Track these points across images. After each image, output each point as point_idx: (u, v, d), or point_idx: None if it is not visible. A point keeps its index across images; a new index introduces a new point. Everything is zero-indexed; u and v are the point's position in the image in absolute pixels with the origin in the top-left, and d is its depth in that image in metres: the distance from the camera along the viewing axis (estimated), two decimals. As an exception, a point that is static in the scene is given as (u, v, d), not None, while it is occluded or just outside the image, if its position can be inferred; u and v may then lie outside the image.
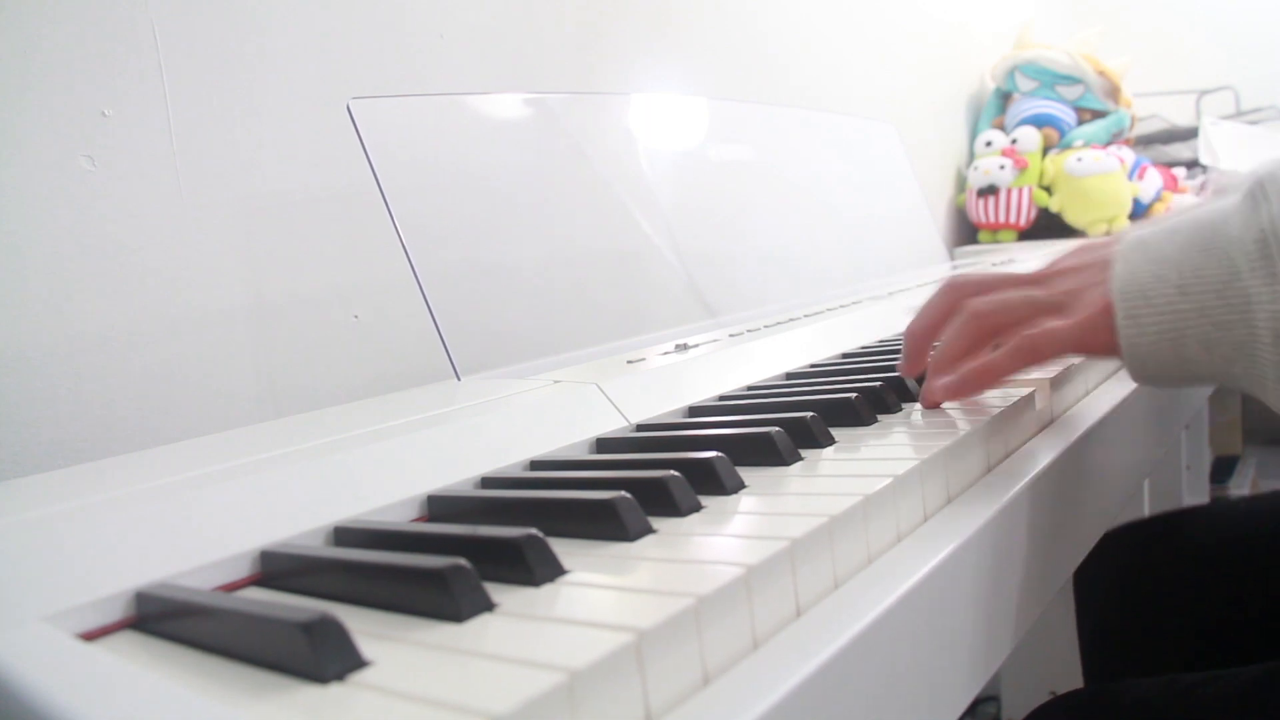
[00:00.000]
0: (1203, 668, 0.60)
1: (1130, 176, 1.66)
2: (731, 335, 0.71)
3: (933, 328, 0.51)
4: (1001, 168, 1.68)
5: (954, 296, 0.50)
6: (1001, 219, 1.69)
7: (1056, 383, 0.53)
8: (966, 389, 0.47)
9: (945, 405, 0.50)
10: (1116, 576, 0.82)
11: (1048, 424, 0.51)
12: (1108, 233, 1.59)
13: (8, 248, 0.59)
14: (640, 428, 0.51)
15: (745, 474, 0.40)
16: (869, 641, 0.29)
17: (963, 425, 0.44)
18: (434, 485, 0.41)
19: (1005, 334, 0.47)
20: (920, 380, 0.53)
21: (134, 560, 0.32)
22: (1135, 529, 0.85)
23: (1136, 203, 1.66)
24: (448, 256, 0.64)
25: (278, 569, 0.35)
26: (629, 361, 0.61)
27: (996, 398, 0.50)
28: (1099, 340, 0.44)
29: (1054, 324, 0.45)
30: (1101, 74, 1.80)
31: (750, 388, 0.60)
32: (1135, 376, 0.44)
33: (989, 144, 1.75)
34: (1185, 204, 0.74)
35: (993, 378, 0.46)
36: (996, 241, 1.71)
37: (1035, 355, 0.45)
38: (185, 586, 0.32)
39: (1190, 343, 0.41)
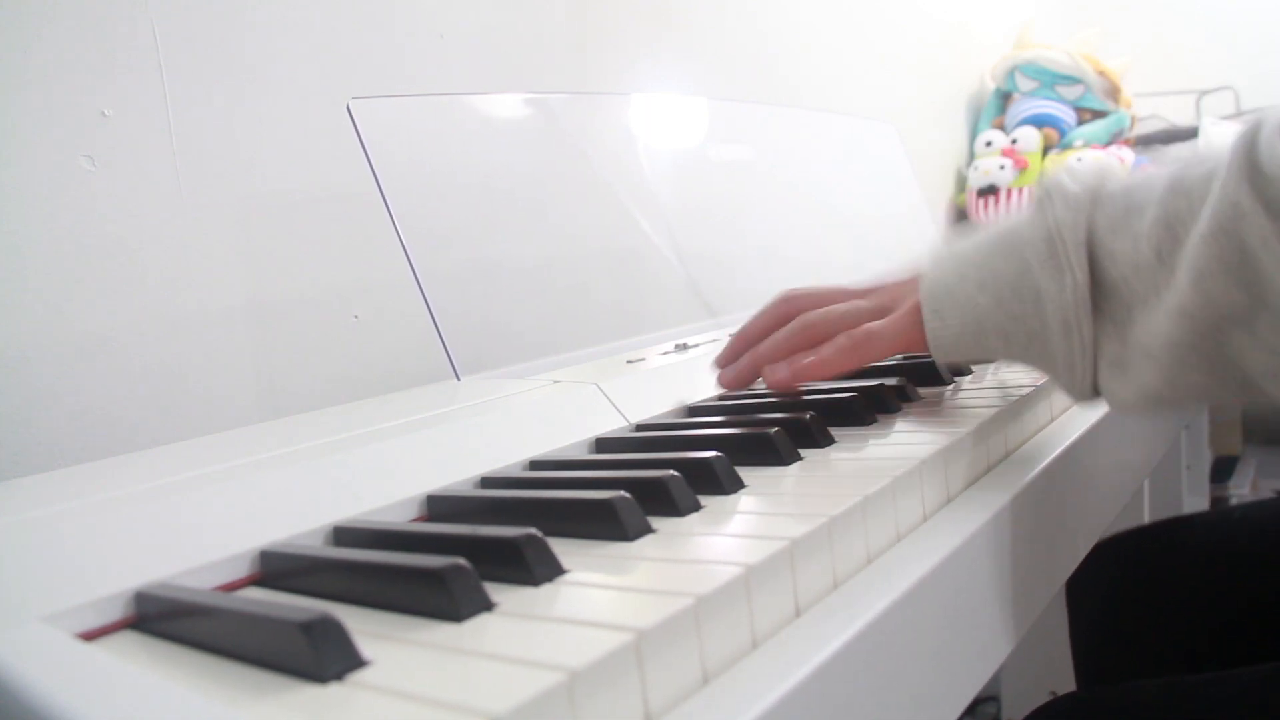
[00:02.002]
0: (1201, 670, 0.60)
1: (1130, 177, 1.66)
2: (731, 335, 0.70)
3: (763, 333, 0.56)
4: (1001, 168, 1.68)
5: (787, 308, 0.55)
6: (1001, 219, 1.69)
7: (1056, 383, 0.53)
8: (798, 377, 0.52)
9: (946, 404, 0.50)
10: (1108, 585, 0.82)
11: (1048, 423, 0.51)
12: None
13: (8, 248, 0.59)
14: (640, 428, 0.51)
15: (745, 474, 0.40)
16: (868, 641, 0.29)
17: (962, 425, 0.44)
18: (434, 485, 0.41)
19: (826, 340, 0.52)
20: (915, 374, 0.57)
21: (134, 560, 0.32)
22: (1130, 537, 0.85)
23: (1136, 203, 1.65)
24: (448, 256, 0.64)
25: (277, 569, 0.35)
26: (629, 361, 0.61)
27: (996, 397, 0.50)
28: (912, 335, 0.48)
29: (874, 324, 0.50)
30: (1101, 74, 1.80)
31: (750, 387, 0.60)
32: (940, 359, 0.49)
33: (989, 144, 1.75)
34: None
35: (822, 371, 0.51)
36: (996, 241, 1.71)
37: (858, 350, 0.50)
38: (185, 586, 0.32)
39: (989, 334, 0.45)
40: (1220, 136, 1.70)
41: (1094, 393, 0.43)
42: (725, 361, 0.58)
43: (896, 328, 0.49)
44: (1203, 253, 0.37)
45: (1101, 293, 0.42)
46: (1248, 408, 2.11)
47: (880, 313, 0.51)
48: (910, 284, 0.51)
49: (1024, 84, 1.82)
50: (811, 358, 0.51)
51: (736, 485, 0.39)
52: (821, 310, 0.53)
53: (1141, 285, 0.40)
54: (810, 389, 0.56)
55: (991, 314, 0.45)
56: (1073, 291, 0.42)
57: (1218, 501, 1.80)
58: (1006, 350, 0.45)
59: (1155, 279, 0.39)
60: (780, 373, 0.52)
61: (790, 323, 0.54)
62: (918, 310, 0.48)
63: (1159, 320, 0.39)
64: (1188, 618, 0.77)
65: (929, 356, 0.49)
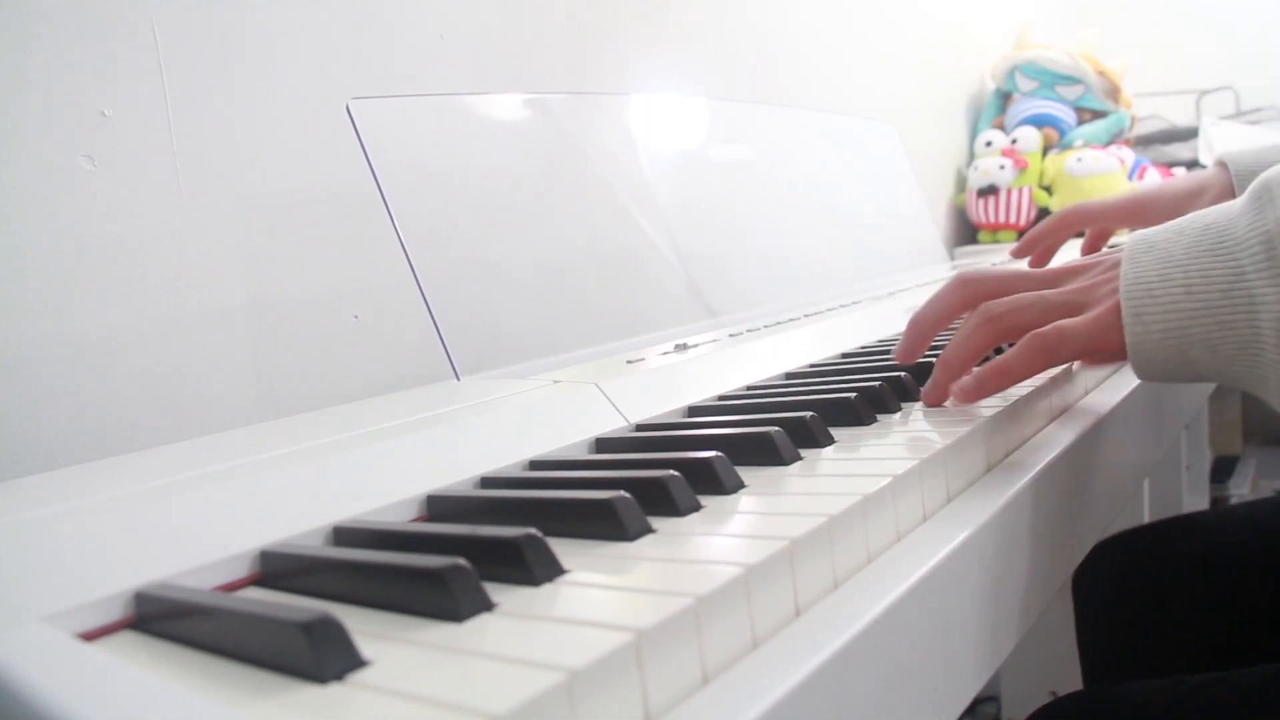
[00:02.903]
0: (1204, 670, 0.60)
1: (1130, 177, 1.66)
2: (731, 335, 0.71)
3: (940, 320, 0.51)
4: (1001, 168, 1.68)
5: (966, 293, 0.50)
6: (1001, 219, 1.69)
7: (1057, 381, 0.53)
8: (984, 390, 0.47)
9: (945, 404, 0.50)
10: (1115, 583, 0.82)
11: (1048, 423, 0.51)
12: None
13: (8, 248, 0.59)
14: (640, 428, 0.51)
15: (745, 474, 0.40)
16: (868, 641, 0.29)
17: (963, 424, 0.44)
18: (434, 485, 0.41)
19: (1017, 338, 0.47)
20: (914, 374, 0.54)
21: (134, 560, 0.32)
22: (1133, 536, 0.85)
23: (1136, 203, 1.66)
24: (448, 256, 0.64)
25: (277, 569, 0.35)
26: (629, 361, 0.61)
27: (996, 397, 0.50)
28: (1108, 338, 0.44)
29: (1066, 323, 0.45)
30: (1101, 74, 1.80)
31: (750, 388, 0.60)
32: (1140, 374, 0.45)
33: (989, 144, 1.75)
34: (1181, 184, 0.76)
35: (1009, 379, 0.46)
36: (996, 241, 1.71)
37: (1049, 354, 0.45)
38: (185, 586, 0.32)
39: (1195, 342, 0.42)
40: (1224, 140, 1.71)
41: None
42: (906, 357, 0.53)
43: (1092, 329, 0.45)
44: None
45: None
46: (1248, 407, 2.11)
47: (1071, 307, 0.46)
48: (1105, 275, 0.46)
49: (1024, 84, 1.82)
50: (995, 367, 0.46)
51: (736, 485, 0.39)
52: (1006, 301, 0.48)
53: None
54: (811, 389, 0.56)
55: (1198, 320, 0.41)
56: None
57: (1217, 501, 1.80)
58: (1212, 361, 0.42)
59: None
60: (968, 385, 0.47)
61: (971, 316, 0.49)
62: (1116, 311, 0.44)
63: None
64: (1190, 616, 0.77)
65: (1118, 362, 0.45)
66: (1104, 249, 0.84)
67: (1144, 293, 0.43)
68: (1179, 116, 2.04)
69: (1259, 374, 0.40)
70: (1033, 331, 0.46)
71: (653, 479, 0.37)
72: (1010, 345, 0.48)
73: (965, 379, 0.47)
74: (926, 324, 0.52)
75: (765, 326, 0.74)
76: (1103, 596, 0.83)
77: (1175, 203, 0.75)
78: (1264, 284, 0.39)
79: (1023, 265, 0.78)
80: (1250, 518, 0.80)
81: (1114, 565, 0.82)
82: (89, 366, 0.62)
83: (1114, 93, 1.81)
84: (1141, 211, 0.77)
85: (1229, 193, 0.71)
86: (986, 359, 0.49)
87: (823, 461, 0.42)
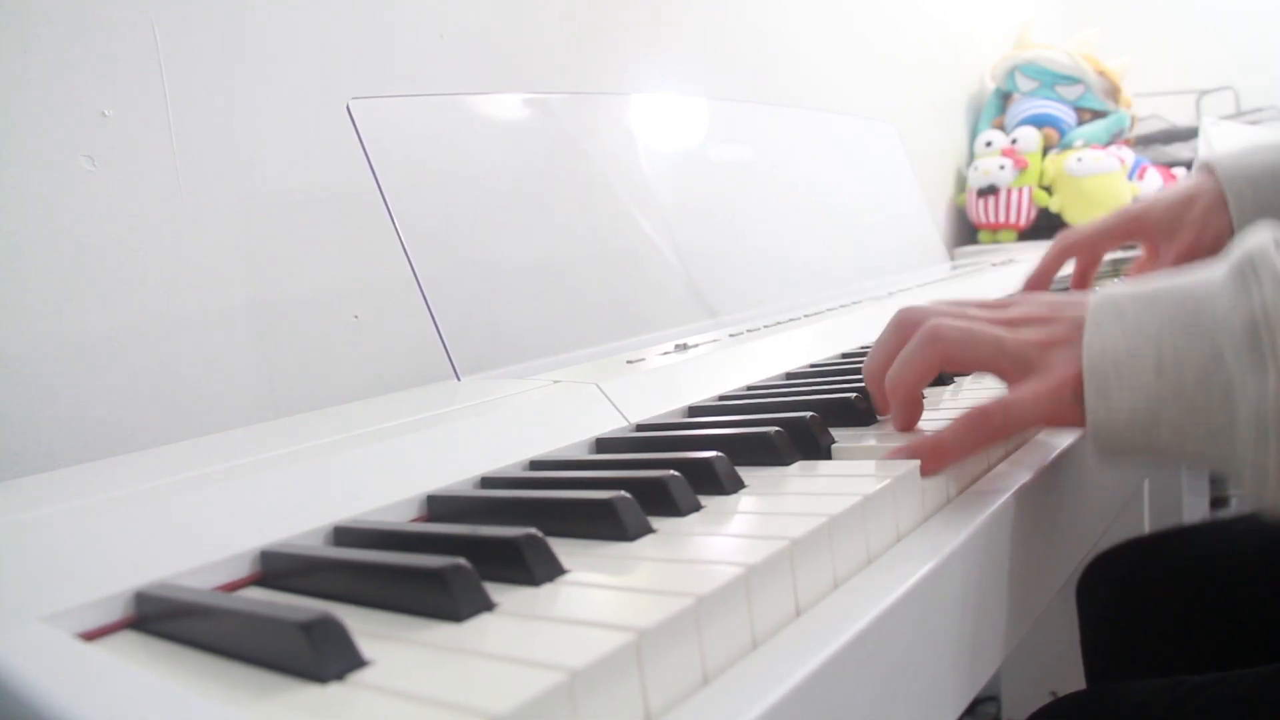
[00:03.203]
0: (1204, 671, 0.60)
1: (1130, 177, 1.66)
2: (731, 335, 0.71)
3: (887, 364, 0.47)
4: (1001, 168, 1.68)
5: (907, 331, 0.46)
6: (1001, 219, 1.69)
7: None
8: (911, 456, 0.41)
9: (946, 405, 0.50)
10: (1118, 592, 0.82)
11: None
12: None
13: (8, 248, 0.59)
14: (640, 428, 0.51)
15: (745, 474, 0.40)
16: (868, 641, 0.29)
17: (962, 425, 0.44)
18: (434, 485, 0.41)
19: (959, 370, 0.43)
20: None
21: (134, 560, 0.32)
22: (1136, 545, 0.85)
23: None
24: (448, 256, 0.64)
25: (278, 569, 0.35)
26: (629, 361, 0.61)
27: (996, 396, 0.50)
28: (1065, 415, 0.40)
29: (1015, 397, 0.41)
30: (1101, 74, 1.80)
31: (750, 388, 0.60)
32: (1099, 454, 0.40)
33: (989, 144, 1.75)
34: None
35: (947, 460, 0.40)
36: (996, 241, 1.71)
37: (993, 434, 0.41)
38: (185, 586, 0.32)
39: (1163, 427, 0.38)
40: (1224, 140, 1.70)
41: None
42: (881, 411, 0.49)
43: (1046, 405, 0.40)
44: None
45: None
46: None
47: (1023, 362, 0.42)
48: (1064, 333, 0.42)
49: (1024, 84, 1.82)
50: (931, 447, 0.40)
51: (737, 485, 0.39)
52: (956, 328, 0.44)
53: None
54: (811, 389, 0.56)
55: (1169, 405, 0.37)
56: (1276, 394, 0.34)
57: (1217, 502, 1.80)
58: (1180, 447, 0.38)
59: None
60: (900, 452, 0.41)
61: (917, 333, 0.44)
62: (1075, 383, 0.39)
63: None
64: (1191, 621, 0.77)
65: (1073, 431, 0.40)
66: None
67: (1111, 367, 0.38)
68: (1179, 116, 2.04)
69: (1232, 465, 0.37)
70: (977, 409, 0.41)
71: (653, 479, 0.37)
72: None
73: (899, 446, 0.42)
74: (877, 370, 0.48)
75: (765, 326, 0.74)
76: (1105, 604, 0.83)
77: (1167, 217, 0.73)
78: (1245, 373, 0.35)
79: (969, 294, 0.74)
80: (1252, 529, 0.81)
81: (1117, 574, 0.83)
82: (89, 366, 0.62)
83: (1114, 93, 1.81)
84: (1137, 229, 0.75)
85: (1219, 200, 0.70)
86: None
87: (823, 462, 0.42)
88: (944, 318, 0.44)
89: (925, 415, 0.49)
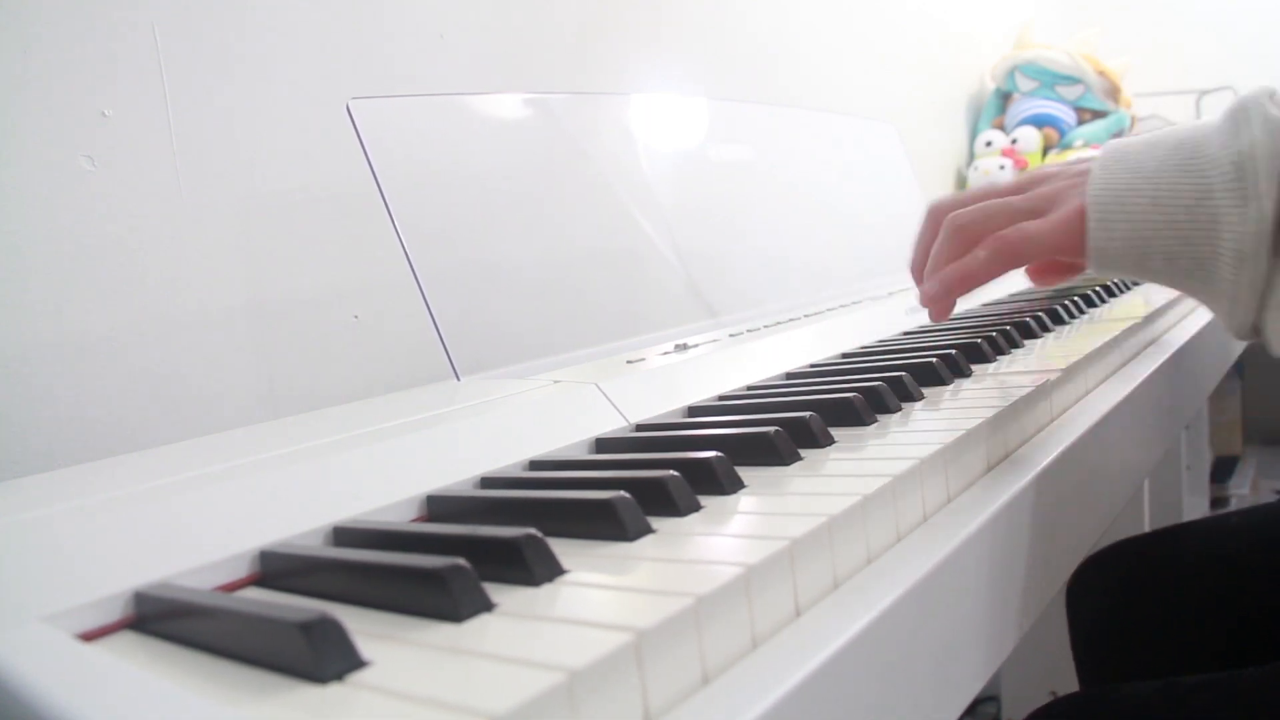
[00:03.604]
0: (1202, 672, 0.60)
1: (1130, 176, 1.66)
2: (731, 335, 0.71)
3: (928, 255, 0.52)
4: (1001, 168, 1.68)
5: (937, 217, 0.51)
6: (1001, 219, 1.69)
7: (1057, 382, 0.53)
8: (951, 293, 0.48)
9: (946, 404, 0.50)
10: (1106, 596, 0.82)
11: (1047, 423, 0.51)
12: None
13: (8, 248, 0.59)
14: (640, 428, 0.51)
15: (745, 474, 0.40)
16: (868, 641, 0.29)
17: (963, 424, 0.44)
18: (434, 485, 0.41)
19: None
20: (915, 374, 0.54)
21: (133, 560, 0.32)
22: (1129, 546, 0.85)
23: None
24: (448, 256, 0.64)
25: (277, 569, 0.35)
26: (629, 361, 0.61)
27: (996, 396, 0.50)
28: (1071, 242, 0.45)
29: (1029, 225, 0.46)
30: (1101, 74, 1.80)
31: (750, 388, 0.60)
32: (1097, 270, 0.46)
33: (989, 144, 1.75)
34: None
35: (973, 281, 0.47)
36: (996, 241, 1.71)
37: (1011, 255, 0.46)
38: (184, 586, 0.32)
39: (1155, 254, 0.43)
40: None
41: (1254, 332, 0.41)
42: (923, 301, 0.54)
43: (1055, 229, 0.46)
44: None
45: None
46: (1248, 407, 2.11)
47: (1036, 211, 0.47)
48: (1073, 181, 0.47)
49: (1024, 84, 1.82)
50: (958, 271, 0.47)
51: (736, 485, 0.39)
52: (972, 210, 0.49)
53: None
54: (811, 389, 0.56)
55: (1161, 233, 0.42)
56: (1256, 222, 0.39)
57: (1217, 502, 1.80)
58: (1168, 272, 0.43)
59: None
60: (932, 290, 0.48)
61: (941, 230, 0.50)
62: (1081, 215, 0.44)
63: None
64: (1188, 621, 0.77)
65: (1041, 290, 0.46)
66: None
67: (1112, 200, 0.43)
68: (1179, 116, 2.04)
69: (1213, 291, 0.42)
70: (995, 234, 0.46)
71: (653, 479, 0.37)
72: None
73: (929, 285, 0.48)
74: (918, 265, 0.53)
75: (765, 326, 0.74)
76: (1097, 608, 0.83)
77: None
78: (1229, 205, 0.39)
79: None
80: (1248, 525, 0.80)
81: (1109, 577, 0.83)
82: (89, 366, 0.62)
83: (1114, 93, 1.81)
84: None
85: None
86: None
87: (823, 462, 0.42)
88: (961, 210, 0.49)
89: (925, 415, 0.49)
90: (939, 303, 0.49)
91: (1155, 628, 0.79)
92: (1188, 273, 0.42)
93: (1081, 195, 0.45)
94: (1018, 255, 0.47)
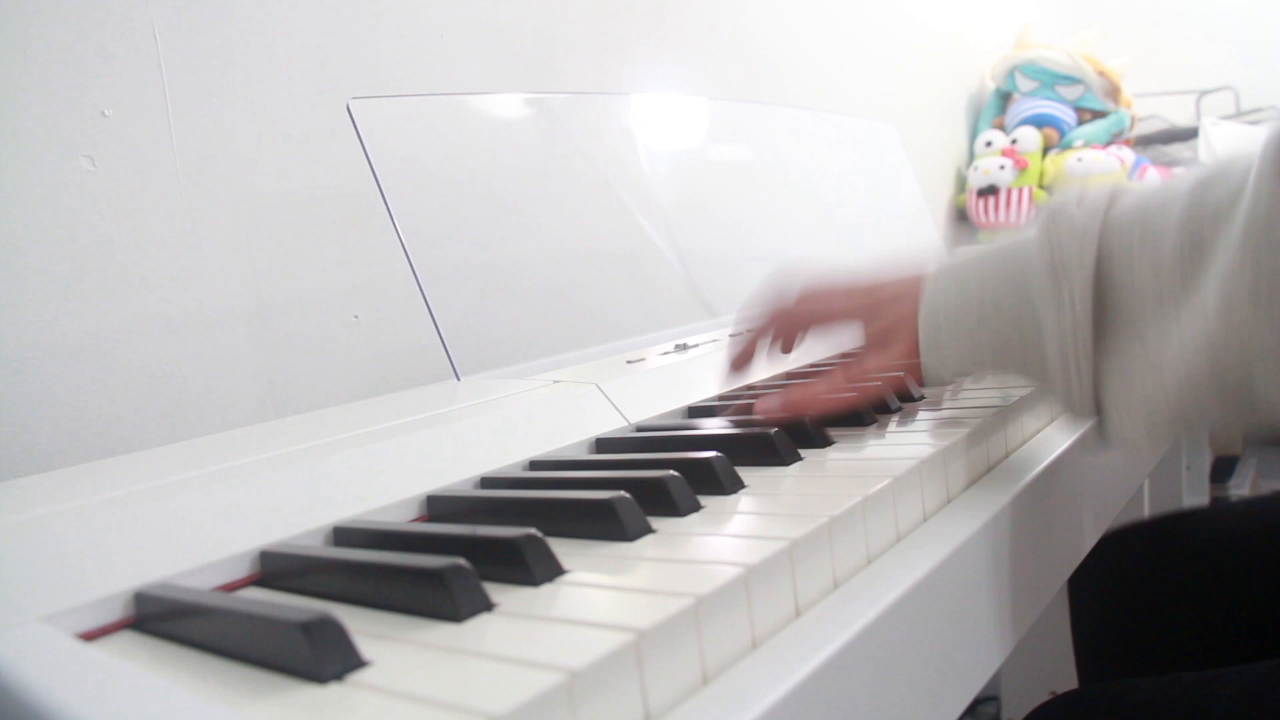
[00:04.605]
0: (1202, 667, 0.60)
1: (1130, 177, 1.66)
2: (731, 335, 0.71)
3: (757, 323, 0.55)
4: (1001, 168, 1.68)
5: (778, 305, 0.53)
6: (1001, 219, 1.69)
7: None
8: (791, 410, 0.48)
9: (946, 405, 0.50)
10: (1112, 579, 0.82)
11: (1048, 423, 0.51)
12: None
13: (8, 248, 0.59)
14: (640, 428, 0.51)
15: (745, 474, 0.40)
16: (868, 641, 0.29)
17: (962, 425, 0.44)
18: (434, 485, 0.41)
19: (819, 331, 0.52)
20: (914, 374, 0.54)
21: (133, 560, 0.32)
22: (1131, 531, 0.85)
23: (1136, 203, 1.66)
24: (448, 256, 0.64)
25: (277, 569, 0.35)
26: (629, 361, 0.61)
27: (996, 396, 0.50)
28: (910, 368, 0.48)
29: (871, 364, 0.49)
30: (1101, 74, 1.80)
31: (750, 388, 0.60)
32: (929, 385, 0.49)
33: (989, 144, 1.75)
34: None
35: (816, 408, 0.48)
36: (996, 241, 1.71)
37: (853, 394, 0.49)
38: (184, 586, 0.32)
39: (987, 366, 0.45)
40: (1224, 140, 1.71)
41: (1096, 416, 0.42)
42: (735, 362, 0.57)
43: (893, 365, 0.49)
44: (1232, 283, 0.36)
45: (1110, 321, 0.41)
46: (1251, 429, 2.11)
47: (877, 338, 0.50)
48: (908, 300, 0.49)
49: (1024, 84, 1.82)
50: (800, 390, 0.49)
51: (736, 485, 0.39)
52: (818, 310, 0.52)
53: (1158, 315, 0.39)
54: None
55: (988, 346, 0.44)
56: (1072, 327, 0.41)
57: (1217, 502, 1.80)
58: (1003, 375, 0.46)
59: (1175, 309, 0.38)
60: (769, 404, 0.50)
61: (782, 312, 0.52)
62: (915, 341, 0.47)
63: (1174, 352, 0.38)
64: (1189, 612, 0.77)
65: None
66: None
67: (942, 323, 0.46)
68: (1179, 116, 2.04)
69: (1048, 389, 0.43)
70: (845, 371, 0.49)
71: (653, 479, 0.37)
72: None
73: (769, 399, 0.49)
74: (741, 353, 0.56)
75: (765, 326, 0.74)
76: (1100, 593, 0.83)
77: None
78: (1046, 308, 0.41)
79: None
80: (1250, 514, 0.80)
81: (1113, 561, 0.82)
82: (89, 366, 0.62)
83: (1114, 93, 1.81)
84: None
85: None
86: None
87: (823, 462, 0.42)
88: (809, 299, 0.52)
89: (926, 415, 0.49)
90: (772, 417, 0.49)
91: (1156, 616, 0.78)
92: (1020, 375, 0.45)
93: (914, 317, 0.47)
94: (862, 394, 0.49)
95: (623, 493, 0.34)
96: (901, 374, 0.48)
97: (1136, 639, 0.79)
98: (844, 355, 0.55)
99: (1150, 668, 0.75)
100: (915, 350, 0.47)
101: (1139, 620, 0.80)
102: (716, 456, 0.39)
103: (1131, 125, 1.84)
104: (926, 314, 0.46)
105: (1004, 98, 1.88)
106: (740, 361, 0.56)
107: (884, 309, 0.51)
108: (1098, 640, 0.83)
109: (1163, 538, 0.83)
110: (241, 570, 0.35)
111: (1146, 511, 1.23)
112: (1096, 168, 1.63)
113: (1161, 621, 0.78)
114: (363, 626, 0.27)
